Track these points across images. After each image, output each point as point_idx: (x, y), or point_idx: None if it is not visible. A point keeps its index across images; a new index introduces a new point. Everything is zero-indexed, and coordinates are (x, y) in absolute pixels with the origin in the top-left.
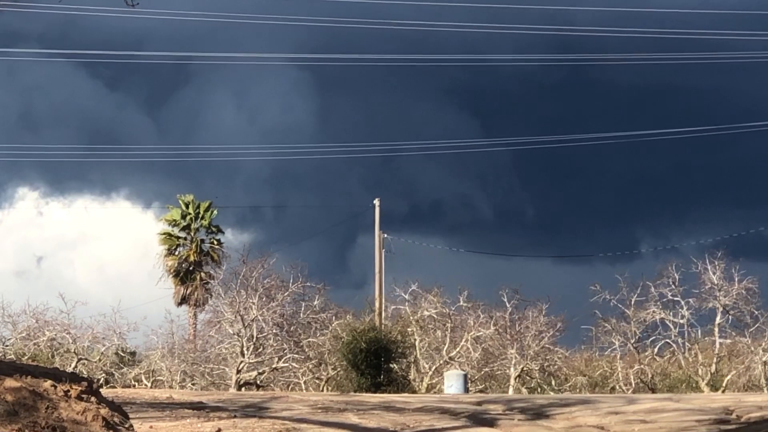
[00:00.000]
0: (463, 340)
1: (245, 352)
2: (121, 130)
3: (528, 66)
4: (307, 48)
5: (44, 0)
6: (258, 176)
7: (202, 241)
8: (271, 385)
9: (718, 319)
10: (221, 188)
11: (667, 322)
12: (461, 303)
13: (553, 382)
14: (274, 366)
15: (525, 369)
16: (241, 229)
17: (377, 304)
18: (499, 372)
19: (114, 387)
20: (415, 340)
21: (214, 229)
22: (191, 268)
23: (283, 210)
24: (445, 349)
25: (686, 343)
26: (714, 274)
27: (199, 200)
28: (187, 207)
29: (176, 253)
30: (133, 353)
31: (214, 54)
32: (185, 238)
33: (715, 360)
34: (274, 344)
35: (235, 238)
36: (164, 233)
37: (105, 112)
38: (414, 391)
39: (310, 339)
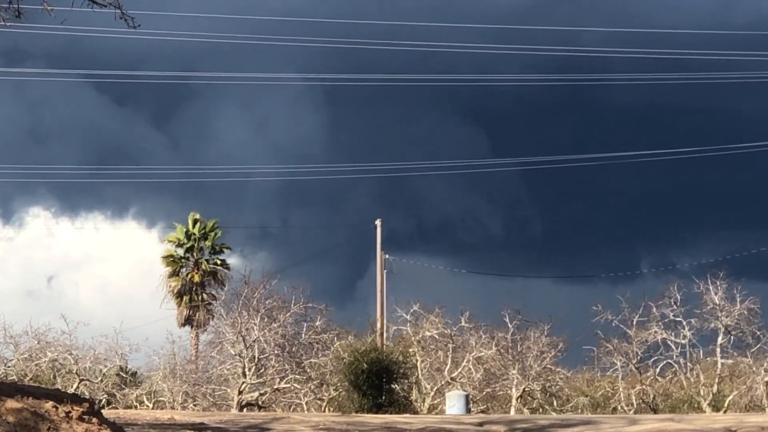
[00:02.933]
0: (465, 360)
1: (247, 372)
2: (130, 145)
3: (533, 86)
4: (315, 67)
5: (47, 19)
6: (266, 195)
7: (206, 261)
8: (273, 405)
9: (719, 340)
10: (230, 207)
11: (669, 342)
12: (463, 323)
13: (554, 403)
14: (275, 387)
15: (527, 389)
16: (251, 249)
17: (379, 325)
18: (500, 392)
19: (116, 408)
20: (416, 360)
21: (217, 248)
22: (194, 289)
23: (292, 229)
24: (446, 369)
25: (688, 364)
26: (716, 294)
27: (205, 220)
28: (193, 226)
29: (179, 274)
30: (134, 374)
31: (222, 74)
32: (188, 259)
33: (717, 380)
34: (276, 365)
35: (244, 258)
36: (168, 255)
37: (113, 127)
38: (416, 412)
39: (311, 360)
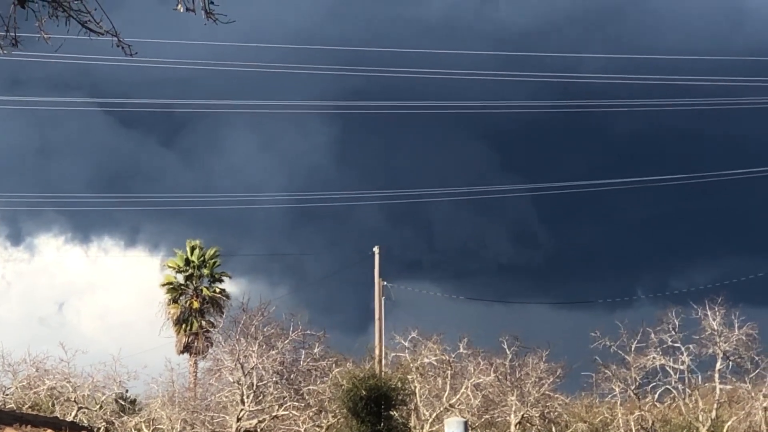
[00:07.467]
0: (464, 387)
1: (245, 400)
2: (137, 165)
3: (538, 112)
4: (325, 93)
5: (44, 47)
6: (274, 221)
7: (206, 288)
8: None
9: (718, 365)
10: (239, 231)
11: (668, 368)
12: (461, 350)
13: (553, 429)
14: (274, 414)
15: (525, 416)
16: (261, 275)
17: (377, 352)
18: (499, 419)
19: None
20: (415, 387)
21: (216, 275)
22: (193, 316)
23: (296, 256)
24: (445, 396)
25: (687, 389)
26: (714, 320)
27: (204, 247)
28: (192, 253)
29: (179, 301)
30: (133, 401)
31: (240, 102)
32: (187, 286)
33: (715, 406)
34: (275, 392)
35: (271, 286)
36: (167, 282)
37: (121, 148)
38: None
39: (310, 387)
